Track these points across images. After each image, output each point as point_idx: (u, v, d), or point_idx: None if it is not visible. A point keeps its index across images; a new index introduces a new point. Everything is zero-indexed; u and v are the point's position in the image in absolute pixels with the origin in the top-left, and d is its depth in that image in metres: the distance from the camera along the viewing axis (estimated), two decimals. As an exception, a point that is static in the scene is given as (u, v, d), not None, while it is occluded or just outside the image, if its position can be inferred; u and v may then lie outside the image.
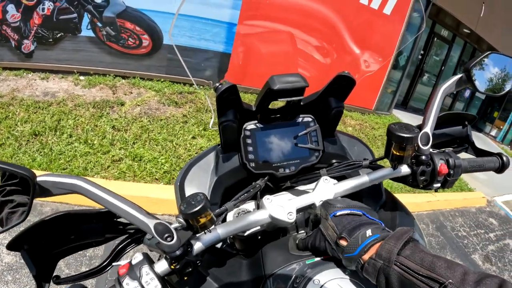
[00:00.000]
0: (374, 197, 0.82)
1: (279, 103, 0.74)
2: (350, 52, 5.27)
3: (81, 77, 4.02)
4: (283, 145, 0.78)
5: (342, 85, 0.75)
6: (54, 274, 0.59)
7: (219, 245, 0.71)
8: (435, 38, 8.56)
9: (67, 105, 3.44)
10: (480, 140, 9.96)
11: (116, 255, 0.61)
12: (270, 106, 0.75)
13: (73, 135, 3.04)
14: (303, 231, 0.73)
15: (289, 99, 0.72)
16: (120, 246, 0.60)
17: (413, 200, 3.78)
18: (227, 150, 0.79)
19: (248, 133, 0.76)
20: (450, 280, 0.43)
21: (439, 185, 0.72)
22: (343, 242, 0.54)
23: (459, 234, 3.77)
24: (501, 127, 11.07)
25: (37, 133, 2.97)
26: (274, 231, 0.76)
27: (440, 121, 0.92)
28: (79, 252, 0.62)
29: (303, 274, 0.55)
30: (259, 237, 0.82)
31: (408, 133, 0.61)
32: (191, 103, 4.00)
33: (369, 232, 0.53)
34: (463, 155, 0.85)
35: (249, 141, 0.76)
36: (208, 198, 0.74)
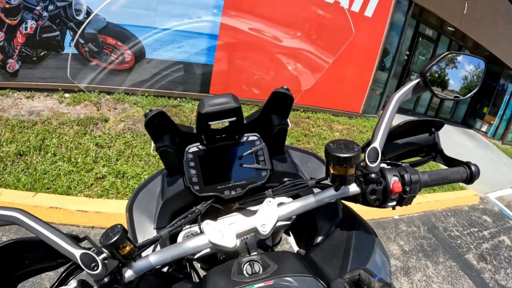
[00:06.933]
0: (329, 216, 0.78)
1: (224, 123, 0.72)
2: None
3: (66, 95, 3.99)
4: (228, 166, 0.76)
5: (280, 101, 0.72)
6: None
7: (165, 269, 0.69)
8: (420, 38, 8.65)
9: (51, 123, 3.41)
10: (471, 136, 10.03)
11: (64, 279, 0.61)
12: (214, 127, 0.73)
13: (57, 154, 3.00)
14: (255, 253, 0.70)
15: (223, 121, 0.69)
16: (68, 271, 0.61)
17: (404, 202, 3.76)
18: (172, 174, 0.77)
19: (190, 156, 0.74)
20: None
21: (394, 203, 0.66)
22: None
23: (452, 235, 3.76)
24: (492, 122, 11.16)
25: (22, 153, 2.94)
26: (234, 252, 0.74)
27: (403, 130, 0.89)
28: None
29: None
30: (223, 256, 0.79)
31: (346, 153, 0.56)
32: (175, 117, 3.98)
33: None
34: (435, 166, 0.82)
35: (192, 164, 0.74)
36: (155, 222, 0.73)
